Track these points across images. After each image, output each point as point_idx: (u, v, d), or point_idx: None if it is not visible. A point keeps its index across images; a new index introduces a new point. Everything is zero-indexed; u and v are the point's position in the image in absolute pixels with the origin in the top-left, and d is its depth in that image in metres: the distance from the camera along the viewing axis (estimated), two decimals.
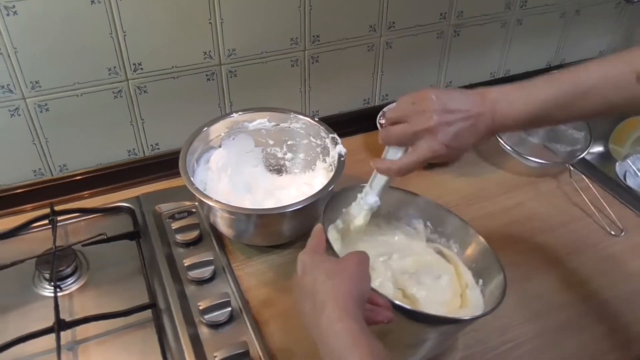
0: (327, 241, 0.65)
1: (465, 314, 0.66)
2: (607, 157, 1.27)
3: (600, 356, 0.72)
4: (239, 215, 0.79)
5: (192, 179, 0.80)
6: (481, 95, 0.64)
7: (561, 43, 1.31)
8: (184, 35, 0.91)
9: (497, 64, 1.26)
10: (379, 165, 0.70)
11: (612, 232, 0.91)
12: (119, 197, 0.96)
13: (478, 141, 0.65)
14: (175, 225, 0.86)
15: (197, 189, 0.78)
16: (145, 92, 0.94)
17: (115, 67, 0.89)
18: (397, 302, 0.58)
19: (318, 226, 0.65)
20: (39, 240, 0.87)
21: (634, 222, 0.93)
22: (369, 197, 0.72)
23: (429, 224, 0.79)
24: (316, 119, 0.91)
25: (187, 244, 0.86)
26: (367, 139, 1.12)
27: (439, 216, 0.78)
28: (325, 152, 0.90)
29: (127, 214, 0.93)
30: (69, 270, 0.81)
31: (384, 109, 1.10)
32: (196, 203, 0.93)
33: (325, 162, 0.90)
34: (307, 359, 0.71)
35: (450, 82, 1.23)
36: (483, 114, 0.63)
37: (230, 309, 0.74)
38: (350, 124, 1.12)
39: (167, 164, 1.01)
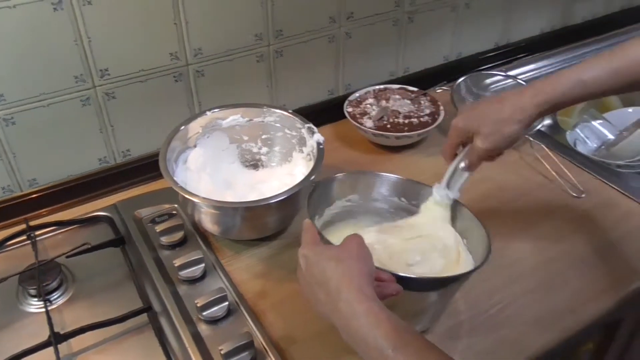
0: (319, 232, 0.66)
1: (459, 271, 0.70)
2: (556, 128, 1.34)
3: (583, 305, 0.78)
4: (226, 210, 0.80)
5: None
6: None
7: (506, 23, 1.38)
8: (150, 38, 0.91)
9: (450, 47, 1.31)
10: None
11: (575, 195, 0.97)
12: (95, 207, 0.94)
13: (505, 119, 0.70)
14: (159, 228, 0.85)
15: (181, 187, 0.78)
16: (113, 97, 0.93)
17: (81, 74, 0.88)
18: (400, 273, 0.60)
19: (307, 221, 0.67)
20: (17, 257, 0.85)
21: (592, 184, 1.00)
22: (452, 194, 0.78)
23: (403, 199, 0.82)
24: (290, 111, 0.93)
25: (173, 246, 0.86)
26: (336, 128, 1.15)
27: (411, 189, 0.81)
28: (301, 142, 0.92)
29: (106, 223, 0.91)
30: (54, 284, 0.80)
31: (349, 98, 1.13)
32: (176, 205, 0.93)
33: (303, 152, 0.92)
34: (309, 343, 0.73)
35: (408, 68, 1.27)
36: (509, 94, 0.72)
37: (227, 303, 0.75)
38: (317, 115, 1.12)
39: (140, 170, 1.00)
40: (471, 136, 0.74)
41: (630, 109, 1.28)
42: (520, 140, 0.73)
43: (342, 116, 1.15)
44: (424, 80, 1.29)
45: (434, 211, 0.78)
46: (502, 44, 1.41)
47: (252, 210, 0.79)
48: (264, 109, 0.93)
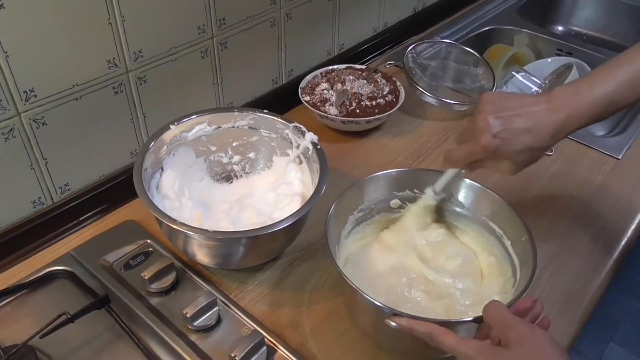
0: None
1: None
2: None
3: (601, 260, 0.80)
4: (229, 241, 0.68)
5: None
6: (543, 94, 0.64)
7: None
8: (82, 45, 0.73)
9: (377, 19, 1.26)
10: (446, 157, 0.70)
11: (546, 152, 0.99)
12: (43, 262, 0.76)
13: (540, 138, 0.63)
14: (146, 274, 0.70)
15: (182, 223, 0.64)
16: (44, 124, 0.74)
17: (0, 100, 0.68)
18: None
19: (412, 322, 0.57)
20: None
21: None
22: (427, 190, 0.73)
23: (416, 190, 0.76)
24: (266, 111, 0.81)
25: (167, 291, 0.72)
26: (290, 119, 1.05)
27: (416, 178, 0.75)
28: (283, 145, 0.82)
29: (67, 279, 0.74)
30: None
31: (301, 85, 1.03)
32: (148, 241, 0.78)
33: (289, 155, 0.81)
34: None
35: (343, 45, 1.20)
36: (539, 104, 0.63)
37: (265, 347, 0.64)
38: (265, 107, 1.02)
39: (85, 206, 0.84)
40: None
41: (549, 59, 1.34)
42: None
43: (291, 105, 1.06)
44: (359, 54, 1.24)
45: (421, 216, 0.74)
46: (419, 9, 1.39)
47: (264, 237, 0.68)
48: (235, 113, 0.81)
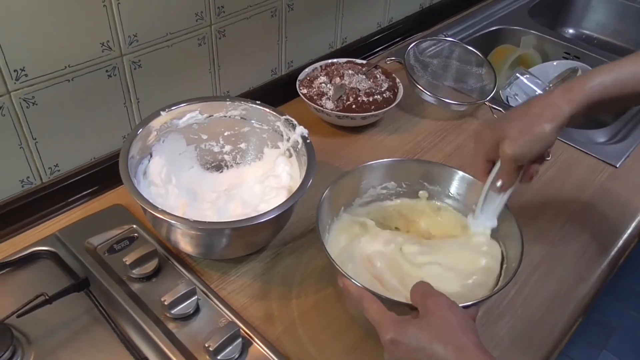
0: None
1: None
2: None
3: (588, 269, 0.79)
4: (219, 231, 0.67)
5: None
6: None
7: None
8: (76, 26, 0.72)
9: (382, 13, 1.25)
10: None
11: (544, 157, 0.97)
12: (27, 241, 0.76)
13: (534, 117, 0.63)
14: (128, 259, 0.70)
15: (163, 211, 0.64)
16: (34, 104, 0.74)
17: None
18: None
19: (352, 286, 0.59)
20: None
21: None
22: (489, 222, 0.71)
23: (403, 184, 0.76)
24: (258, 102, 0.81)
25: (148, 277, 0.72)
26: (286, 111, 1.03)
27: (403, 169, 0.76)
28: (274, 137, 0.81)
29: (49, 260, 0.74)
30: (7, 355, 0.63)
31: (299, 78, 1.02)
32: (134, 226, 0.78)
33: (279, 147, 0.81)
34: None
35: (346, 39, 1.18)
36: (537, 96, 0.64)
37: (240, 339, 0.64)
38: (263, 98, 1.01)
39: (73, 188, 0.84)
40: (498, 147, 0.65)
41: (555, 62, 1.32)
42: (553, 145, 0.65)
43: (290, 97, 1.05)
44: (362, 48, 1.22)
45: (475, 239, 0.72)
46: (426, 6, 1.37)
47: (246, 229, 0.68)
48: (227, 102, 0.80)
